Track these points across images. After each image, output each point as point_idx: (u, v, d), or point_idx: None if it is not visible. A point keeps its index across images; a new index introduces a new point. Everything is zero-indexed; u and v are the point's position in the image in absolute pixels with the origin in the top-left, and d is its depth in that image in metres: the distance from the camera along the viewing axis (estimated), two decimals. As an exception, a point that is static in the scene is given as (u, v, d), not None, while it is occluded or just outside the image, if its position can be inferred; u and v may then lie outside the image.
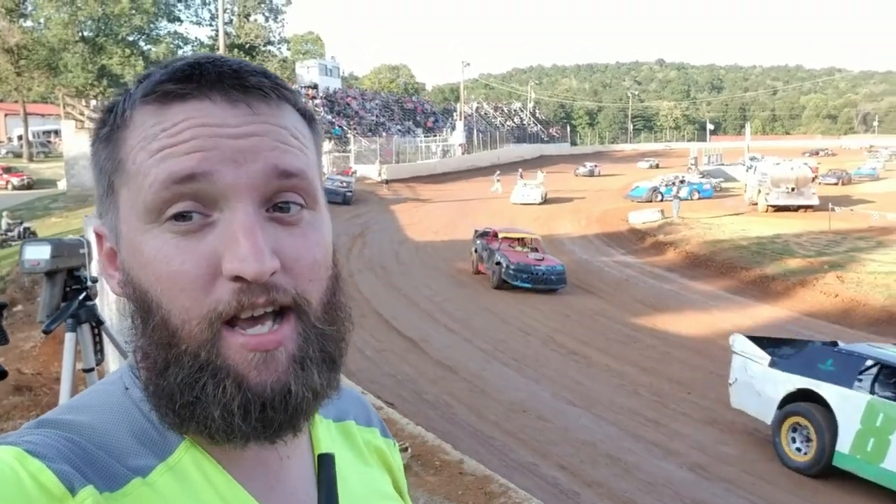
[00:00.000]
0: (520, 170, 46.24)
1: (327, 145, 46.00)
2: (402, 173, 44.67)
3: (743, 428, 9.93)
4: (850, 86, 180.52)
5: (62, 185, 35.48)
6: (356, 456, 0.79)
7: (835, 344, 9.13)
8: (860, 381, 8.24)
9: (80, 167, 33.37)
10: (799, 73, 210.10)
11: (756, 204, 33.23)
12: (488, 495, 5.71)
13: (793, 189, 31.56)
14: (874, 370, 8.21)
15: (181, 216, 0.59)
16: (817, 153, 73.45)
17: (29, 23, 47.23)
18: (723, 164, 57.33)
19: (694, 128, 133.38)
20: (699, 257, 23.20)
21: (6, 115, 62.98)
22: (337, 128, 53.46)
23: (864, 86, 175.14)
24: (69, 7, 45.18)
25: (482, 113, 78.92)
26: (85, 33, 46.97)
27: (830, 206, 27.20)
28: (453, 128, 62.01)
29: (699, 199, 37.75)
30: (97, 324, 2.76)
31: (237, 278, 0.58)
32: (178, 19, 53.79)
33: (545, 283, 18.55)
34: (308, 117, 0.68)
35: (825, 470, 8.26)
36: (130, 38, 49.16)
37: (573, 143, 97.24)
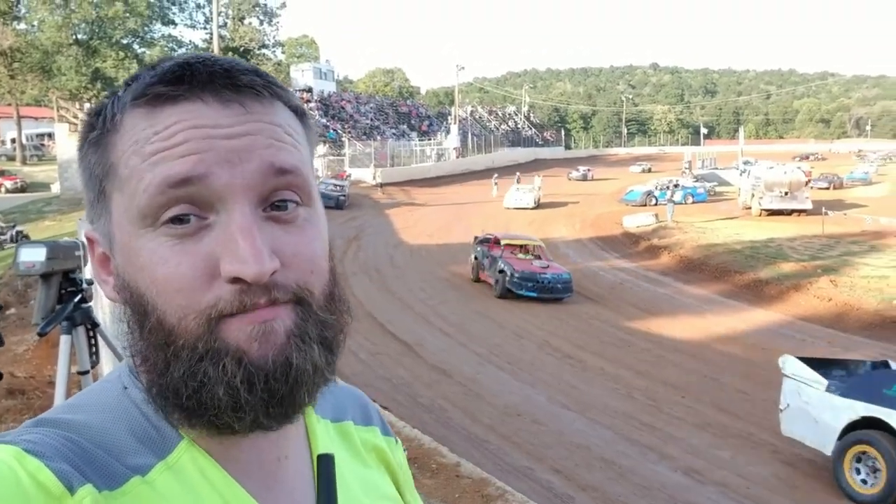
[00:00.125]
0: (517, 174, 46.29)
1: (322, 149, 45.98)
2: (397, 177, 44.67)
3: (737, 432, 9.96)
4: (843, 90, 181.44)
5: (56, 189, 35.41)
6: (354, 457, 0.79)
7: (886, 364, 8.66)
8: None
9: (74, 170, 33.09)
10: (792, 78, 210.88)
11: (750, 208, 33.35)
12: (485, 498, 5.71)
13: (786, 193, 31.68)
14: None
15: (177, 219, 0.59)
16: (808, 157, 73.78)
17: (22, 25, 47.12)
18: (716, 168, 57.48)
19: (688, 132, 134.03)
20: (693, 261, 23.26)
21: (-1, 117, 62.84)
22: (332, 131, 53.43)
23: (857, 90, 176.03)
24: (63, 10, 45.06)
25: (477, 116, 79.04)
26: (79, 36, 46.84)
27: (824, 210, 27.33)
28: (448, 131, 62.02)
29: (693, 203, 37.85)
30: (92, 326, 2.75)
31: (237, 280, 0.58)
32: (173, 22, 53.73)
33: (551, 293, 17.95)
34: (300, 114, 0.68)
35: None
36: (124, 42, 49.00)
37: (567, 147, 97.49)
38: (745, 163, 41.11)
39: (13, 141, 52.26)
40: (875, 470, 7.83)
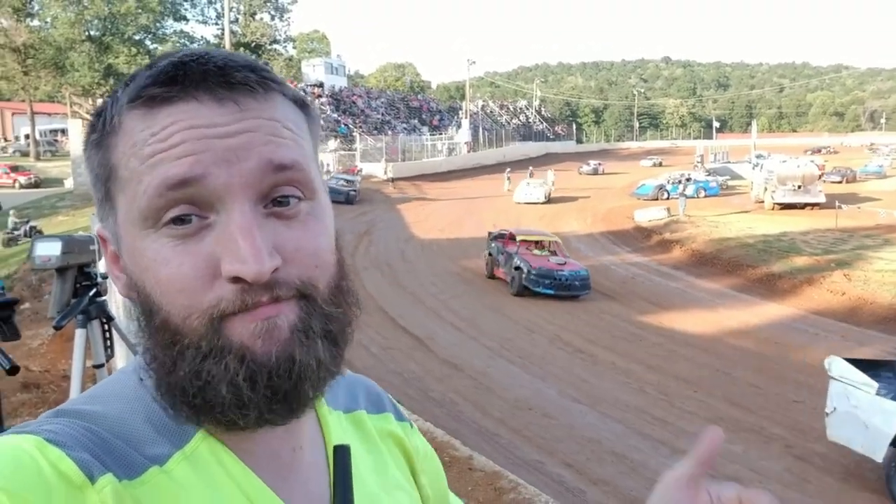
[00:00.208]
0: (530, 168, 46.18)
1: (333, 144, 46.06)
2: (408, 171, 44.68)
3: (749, 427, 9.92)
4: (857, 83, 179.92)
5: (69, 184, 35.62)
6: (368, 446, 0.79)
7: None
8: None
9: (87, 166, 33.44)
10: (806, 71, 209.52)
11: (762, 202, 33.13)
12: (498, 491, 5.73)
13: (799, 187, 31.45)
14: None
15: (179, 220, 0.59)
16: (819, 151, 73.26)
17: (36, 22, 47.37)
18: (729, 162, 57.14)
19: (700, 125, 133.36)
20: (705, 255, 23.16)
21: (13, 114, 63.20)
22: (343, 126, 53.51)
23: (871, 83, 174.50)
24: (76, 6, 45.26)
25: (488, 111, 78.91)
26: (91, 32, 47.04)
27: (837, 203, 27.12)
28: (459, 126, 61.99)
29: (705, 196, 37.65)
30: (107, 320, 2.77)
31: (237, 279, 0.58)
32: (185, 18, 53.78)
33: (569, 290, 17.55)
34: (301, 105, 0.68)
35: None
36: (137, 37, 49.18)
37: (579, 141, 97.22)
38: (758, 156, 40.89)
39: (27, 137, 52.57)
40: None
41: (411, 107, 71.87)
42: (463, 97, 79.02)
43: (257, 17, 58.66)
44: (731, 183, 43.70)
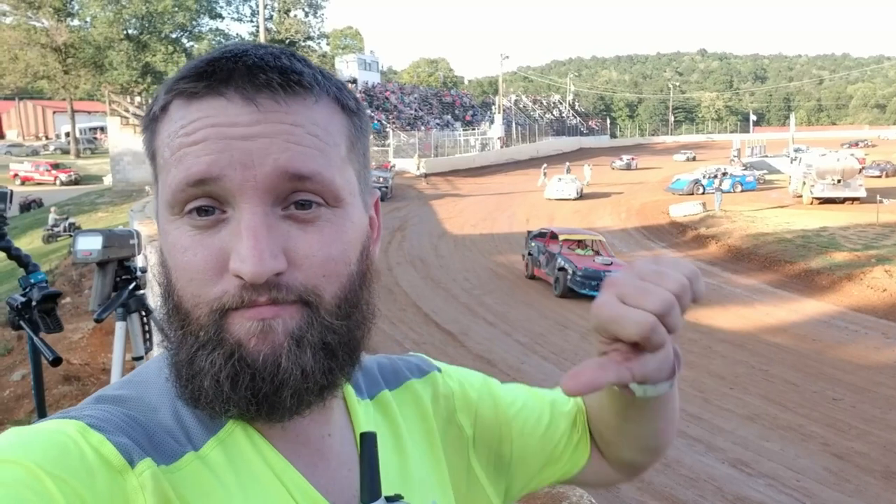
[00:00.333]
0: (567, 164, 45.88)
1: (366, 139, 46.17)
2: (441, 167, 44.73)
3: (786, 424, 9.78)
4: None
5: (108, 181, 36.28)
6: (393, 432, 0.80)
7: None
8: None
9: (126, 163, 34.05)
10: (846, 62, 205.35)
11: (801, 196, 32.59)
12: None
13: (839, 181, 30.85)
14: None
15: (201, 210, 0.62)
16: (857, 144, 71.78)
17: (76, 21, 48.34)
18: (766, 156, 56.29)
19: (736, 119, 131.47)
20: (742, 251, 22.84)
21: (54, 112, 64.55)
22: (376, 122, 53.70)
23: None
24: (114, 6, 46.07)
25: (521, 106, 78.64)
26: (129, 31, 47.83)
27: (878, 198, 26.56)
28: (492, 121, 61.86)
29: (742, 191, 37.12)
30: (146, 313, 2.83)
31: (239, 276, 0.60)
32: (220, 16, 54.48)
33: None
34: (342, 105, 0.67)
35: None
36: (173, 36, 49.91)
37: (613, 136, 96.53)
38: (797, 150, 40.19)
39: (67, 135, 53.66)
40: None
41: (444, 102, 71.89)
42: (496, 92, 78.85)
43: (291, 13, 59.14)
44: (768, 177, 43.05)
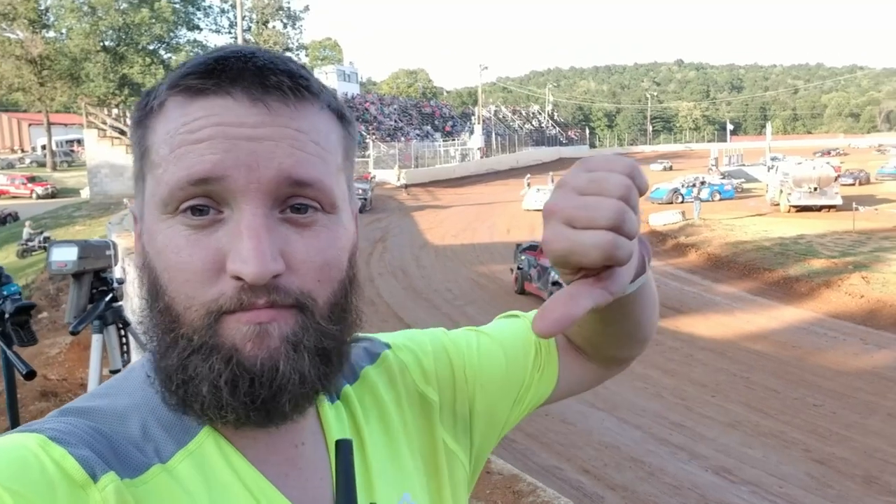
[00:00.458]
0: (550, 173, 46.01)
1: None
2: (421, 178, 44.76)
3: (768, 431, 9.83)
4: (872, 83, 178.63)
5: (85, 194, 35.95)
6: (356, 432, 0.76)
7: None
8: None
9: (103, 176, 33.78)
10: (820, 72, 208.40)
11: (778, 204, 32.91)
12: (516, 494, 5.69)
13: (815, 189, 31.21)
14: None
15: (196, 209, 0.60)
16: (829, 153, 72.76)
17: (51, 33, 47.97)
18: (743, 165, 56.86)
19: (714, 128, 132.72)
20: (721, 259, 23.01)
21: (30, 124, 63.96)
22: (356, 133, 53.67)
23: (887, 83, 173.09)
24: (90, 17, 45.81)
25: (500, 116, 78.97)
26: (106, 43, 47.55)
27: (854, 205, 26.88)
28: (471, 132, 62.04)
29: (720, 200, 37.43)
30: (124, 325, 2.78)
31: (238, 278, 0.59)
32: (198, 27, 54.23)
33: None
34: (340, 117, 0.68)
35: None
36: (151, 47, 49.69)
37: (592, 146, 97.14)
38: (773, 159, 40.62)
39: (43, 147, 53.18)
40: None
41: (424, 113, 72.05)
42: (475, 103, 79.17)
43: (270, 25, 59.11)
44: (745, 186, 43.45)
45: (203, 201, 0.60)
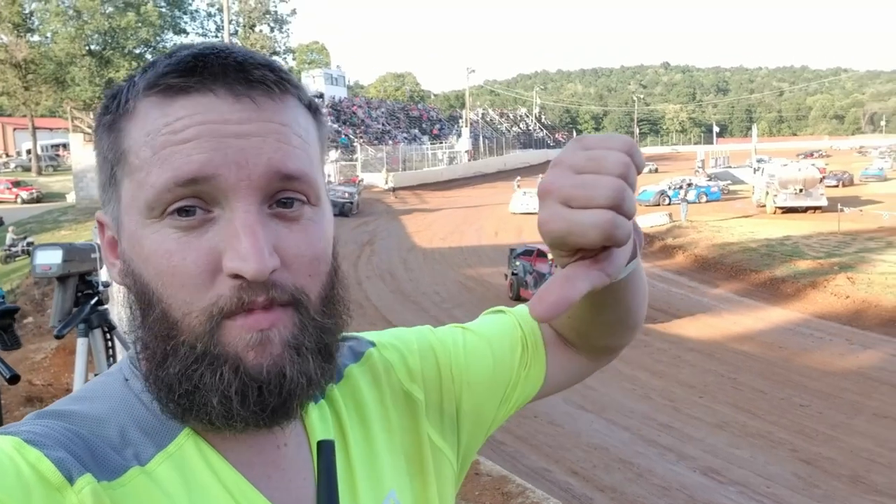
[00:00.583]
0: (540, 176, 45.91)
1: (334, 154, 46.12)
2: (409, 181, 44.73)
3: (755, 431, 9.87)
4: (856, 86, 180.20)
5: (71, 198, 35.69)
6: (340, 432, 0.76)
7: None
8: None
9: (89, 180, 33.55)
10: (805, 74, 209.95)
11: (764, 206, 33.13)
12: (505, 496, 5.70)
13: (801, 190, 31.45)
14: None
15: (183, 210, 0.59)
16: (811, 155, 73.35)
17: (36, 37, 47.61)
18: (730, 167, 57.26)
19: (700, 130, 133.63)
20: (708, 260, 23.12)
21: (15, 129, 63.47)
22: (343, 136, 53.62)
23: (870, 85, 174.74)
24: (76, 21, 45.51)
25: (488, 119, 79.00)
26: (92, 47, 47.27)
27: (839, 206, 27.07)
28: (459, 135, 62.09)
29: (707, 202, 37.65)
30: (109, 329, 2.76)
31: (237, 276, 0.58)
32: (184, 31, 53.99)
33: None
34: (313, 110, 0.67)
35: None
36: (137, 51, 49.38)
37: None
38: (759, 161, 40.88)
39: (28, 152, 52.80)
40: None
41: (411, 116, 72.01)
42: (463, 106, 79.25)
43: (257, 29, 58.98)
44: (732, 187, 43.74)
45: (192, 202, 0.58)
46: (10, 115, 61.51)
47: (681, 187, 37.51)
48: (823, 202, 31.43)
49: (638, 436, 9.64)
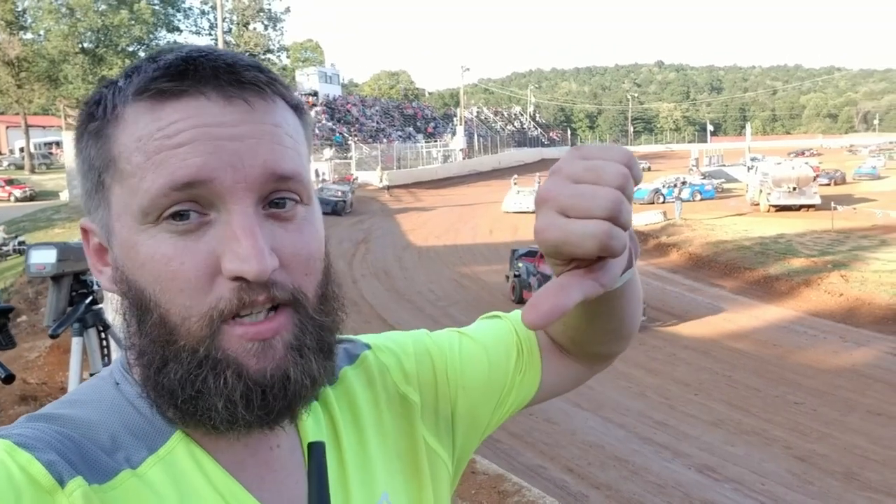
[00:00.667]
0: (538, 174, 45.97)
1: (328, 152, 46.09)
2: (404, 179, 44.74)
3: (750, 429, 9.90)
4: (849, 84, 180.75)
5: (64, 197, 35.57)
6: (333, 434, 0.76)
7: None
8: None
9: (82, 178, 33.44)
10: (798, 73, 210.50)
11: (758, 204, 33.20)
12: (501, 494, 5.70)
13: (794, 188, 31.52)
14: None
15: (178, 215, 0.58)
16: (802, 153, 73.57)
17: (29, 35, 47.38)
18: (724, 165, 57.38)
19: (694, 129, 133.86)
20: (702, 258, 23.17)
21: (7, 127, 63.19)
22: (338, 135, 53.55)
23: (863, 84, 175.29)
24: (69, 19, 45.31)
25: (482, 117, 79.00)
26: (85, 44, 47.06)
27: (833, 205, 27.15)
28: (454, 133, 62.12)
29: (701, 200, 37.72)
30: (104, 328, 2.75)
31: (238, 278, 0.58)
32: (178, 29, 53.75)
33: None
34: (299, 110, 0.67)
35: None
36: (130, 49, 49.18)
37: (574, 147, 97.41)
38: (753, 159, 40.96)
39: (21, 150, 52.57)
40: None
41: (406, 114, 71.97)
42: (457, 104, 79.23)
43: (250, 27, 58.81)
44: (726, 186, 43.84)
45: (187, 206, 0.58)
46: (2, 113, 61.18)
47: (675, 185, 37.59)
48: (817, 200, 31.52)
49: (633, 433, 9.66)
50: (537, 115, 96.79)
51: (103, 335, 2.75)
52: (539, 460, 8.58)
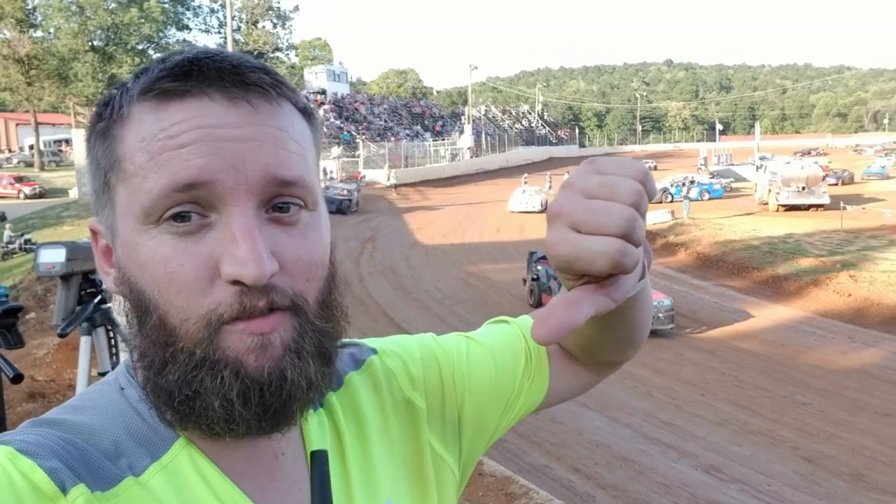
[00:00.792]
0: (548, 174, 45.78)
1: (336, 151, 46.12)
2: (411, 177, 44.70)
3: (757, 429, 9.88)
4: (859, 83, 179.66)
5: (73, 194, 35.69)
6: (337, 441, 0.75)
7: None
8: None
9: (92, 175, 33.54)
10: (808, 72, 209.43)
11: (767, 203, 33.07)
12: (509, 496, 5.70)
13: (803, 188, 31.38)
14: None
15: (179, 216, 0.58)
16: (809, 153, 73.20)
17: (39, 33, 47.59)
18: (732, 164, 57.10)
19: (703, 128, 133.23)
20: (710, 258, 23.10)
21: (17, 124, 63.45)
22: (346, 133, 53.57)
23: (873, 83, 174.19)
24: (79, 17, 45.49)
25: (490, 116, 78.98)
26: (95, 42, 47.23)
27: (842, 204, 27.02)
28: (461, 131, 62.03)
29: (709, 199, 37.57)
30: (112, 327, 2.76)
31: (236, 282, 0.57)
32: (187, 27, 53.89)
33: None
34: (307, 114, 0.67)
35: None
36: (140, 47, 49.33)
37: (582, 145, 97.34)
38: (762, 158, 40.77)
39: (31, 147, 52.75)
40: None
41: (414, 113, 71.97)
42: (465, 102, 79.08)
43: (259, 25, 58.96)
44: (734, 185, 43.62)
45: (188, 207, 0.58)
46: (12, 111, 61.48)
47: (683, 184, 37.44)
48: (826, 200, 31.38)
49: (640, 433, 9.65)
50: (545, 114, 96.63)
51: (112, 334, 2.76)
52: (545, 460, 8.58)
